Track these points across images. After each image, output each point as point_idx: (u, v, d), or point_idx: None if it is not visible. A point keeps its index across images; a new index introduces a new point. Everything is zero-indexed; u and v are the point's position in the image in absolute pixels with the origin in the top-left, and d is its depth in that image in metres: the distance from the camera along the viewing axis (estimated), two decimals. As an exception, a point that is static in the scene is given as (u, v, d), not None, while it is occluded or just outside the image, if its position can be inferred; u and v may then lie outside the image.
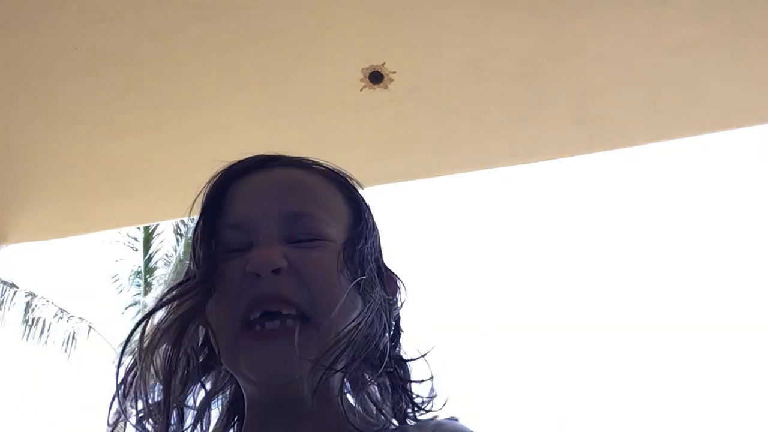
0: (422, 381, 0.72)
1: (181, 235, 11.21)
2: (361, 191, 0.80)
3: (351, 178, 0.80)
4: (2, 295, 10.96)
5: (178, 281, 0.72)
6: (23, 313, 11.03)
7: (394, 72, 2.00)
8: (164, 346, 0.65)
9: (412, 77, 2.03)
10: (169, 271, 11.31)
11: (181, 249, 11.21)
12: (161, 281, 11.40)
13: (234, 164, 0.75)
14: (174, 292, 0.69)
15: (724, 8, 1.81)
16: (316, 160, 0.78)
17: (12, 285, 11.02)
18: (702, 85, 2.01)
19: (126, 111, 2.17)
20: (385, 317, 0.71)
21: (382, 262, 0.77)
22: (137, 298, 11.63)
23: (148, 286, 11.58)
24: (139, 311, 11.57)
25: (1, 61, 2.01)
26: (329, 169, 0.78)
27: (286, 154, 0.77)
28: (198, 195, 0.75)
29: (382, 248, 0.78)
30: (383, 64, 1.98)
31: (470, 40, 1.93)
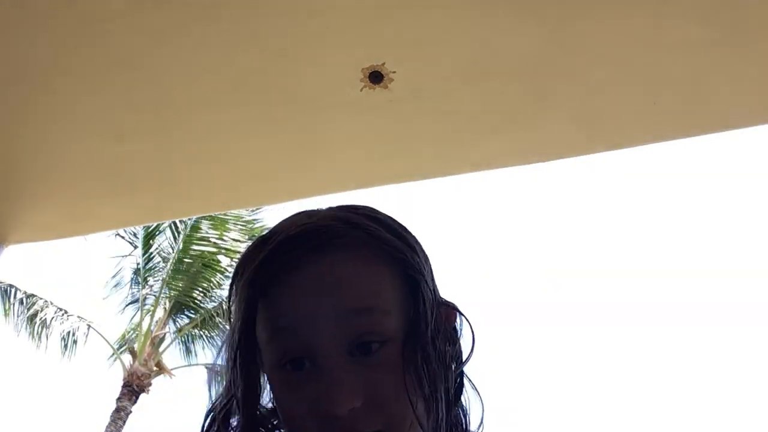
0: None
1: (179, 233, 11.21)
2: (414, 250, 0.73)
3: (400, 234, 0.73)
4: (2, 295, 10.96)
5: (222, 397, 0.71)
6: (23, 312, 11.02)
7: (394, 72, 2.00)
8: None
9: (412, 77, 2.03)
10: (167, 269, 11.32)
11: (179, 247, 11.22)
12: (159, 279, 11.40)
13: (267, 255, 0.67)
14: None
15: (724, 8, 1.80)
16: (356, 222, 0.70)
17: (11, 285, 11.02)
18: (702, 85, 2.01)
19: (126, 111, 2.17)
20: (451, 385, 0.70)
21: (438, 300, 0.73)
22: (137, 295, 11.63)
23: (146, 284, 11.58)
24: (138, 309, 11.58)
25: (1, 61, 2.01)
26: (376, 237, 0.70)
27: (320, 225, 0.69)
28: (234, 284, 0.72)
29: (437, 286, 0.74)
30: (383, 64, 1.98)
31: (470, 40, 1.93)
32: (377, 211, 0.75)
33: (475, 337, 0.74)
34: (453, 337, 0.74)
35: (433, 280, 0.74)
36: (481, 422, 0.73)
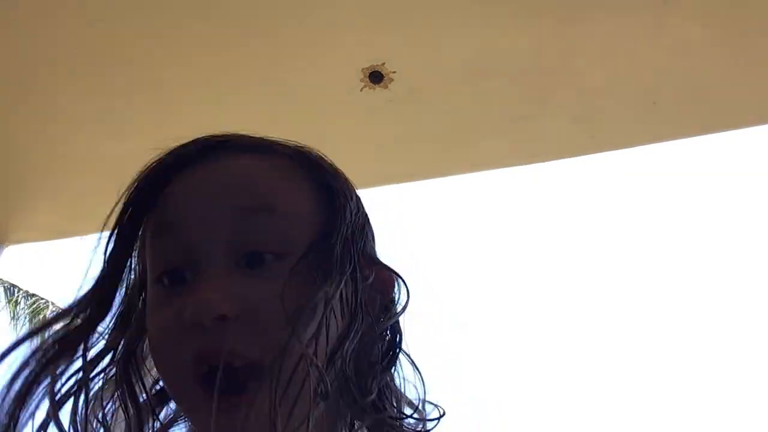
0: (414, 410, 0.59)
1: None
2: (333, 173, 0.63)
3: (321, 159, 0.63)
4: (3, 296, 10.97)
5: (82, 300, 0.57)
6: (23, 312, 11.03)
7: (394, 72, 2.00)
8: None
9: (412, 77, 2.03)
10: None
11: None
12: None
13: (170, 153, 0.60)
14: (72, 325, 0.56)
15: (724, 8, 1.81)
16: (274, 140, 0.63)
17: (12, 285, 11.02)
18: (702, 85, 2.01)
19: (126, 111, 2.17)
20: (371, 327, 0.57)
21: (371, 256, 0.62)
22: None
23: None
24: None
25: (1, 61, 2.01)
26: (293, 149, 0.62)
27: (237, 135, 0.61)
28: (121, 197, 0.60)
29: (371, 238, 0.63)
30: (383, 64, 1.98)
31: (470, 40, 1.93)
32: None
33: (410, 294, 0.61)
34: (386, 306, 0.61)
35: (364, 228, 0.62)
36: (420, 405, 0.61)
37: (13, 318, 11.04)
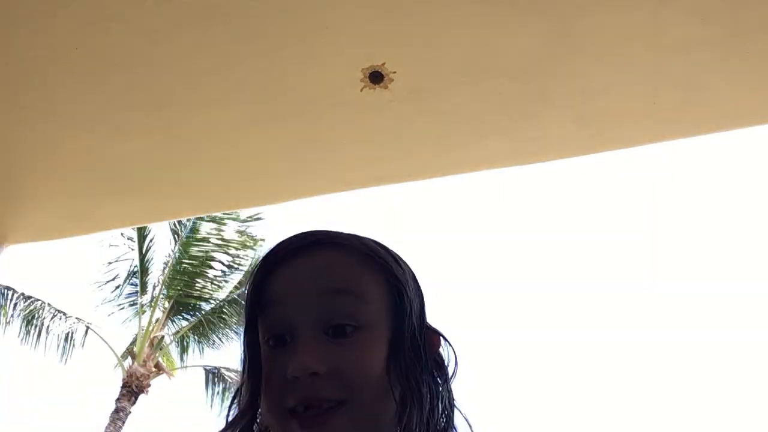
0: None
1: (177, 234, 11.20)
2: (400, 266, 0.79)
3: (390, 253, 0.80)
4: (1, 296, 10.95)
5: (239, 388, 0.77)
6: (21, 313, 11.01)
7: (394, 72, 2.00)
8: None
9: (412, 77, 2.03)
10: (165, 272, 11.30)
11: (176, 248, 11.21)
12: (158, 280, 11.39)
13: (272, 251, 0.77)
14: (234, 403, 0.77)
15: (724, 8, 1.81)
16: (354, 235, 0.79)
17: (8, 287, 11.00)
18: (702, 85, 2.01)
19: (126, 111, 2.17)
20: (435, 399, 0.74)
21: (424, 325, 0.78)
22: (133, 298, 11.61)
23: (145, 285, 11.56)
24: (136, 312, 11.57)
25: (1, 61, 2.01)
26: (367, 247, 0.78)
27: (322, 230, 0.78)
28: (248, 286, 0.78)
29: (424, 310, 0.79)
30: (383, 64, 1.98)
31: (470, 40, 1.93)
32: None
33: (458, 359, 0.78)
34: (438, 362, 0.78)
35: (420, 304, 0.79)
36: None
37: (9, 319, 11.02)
